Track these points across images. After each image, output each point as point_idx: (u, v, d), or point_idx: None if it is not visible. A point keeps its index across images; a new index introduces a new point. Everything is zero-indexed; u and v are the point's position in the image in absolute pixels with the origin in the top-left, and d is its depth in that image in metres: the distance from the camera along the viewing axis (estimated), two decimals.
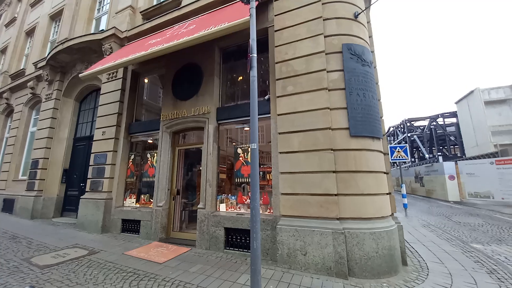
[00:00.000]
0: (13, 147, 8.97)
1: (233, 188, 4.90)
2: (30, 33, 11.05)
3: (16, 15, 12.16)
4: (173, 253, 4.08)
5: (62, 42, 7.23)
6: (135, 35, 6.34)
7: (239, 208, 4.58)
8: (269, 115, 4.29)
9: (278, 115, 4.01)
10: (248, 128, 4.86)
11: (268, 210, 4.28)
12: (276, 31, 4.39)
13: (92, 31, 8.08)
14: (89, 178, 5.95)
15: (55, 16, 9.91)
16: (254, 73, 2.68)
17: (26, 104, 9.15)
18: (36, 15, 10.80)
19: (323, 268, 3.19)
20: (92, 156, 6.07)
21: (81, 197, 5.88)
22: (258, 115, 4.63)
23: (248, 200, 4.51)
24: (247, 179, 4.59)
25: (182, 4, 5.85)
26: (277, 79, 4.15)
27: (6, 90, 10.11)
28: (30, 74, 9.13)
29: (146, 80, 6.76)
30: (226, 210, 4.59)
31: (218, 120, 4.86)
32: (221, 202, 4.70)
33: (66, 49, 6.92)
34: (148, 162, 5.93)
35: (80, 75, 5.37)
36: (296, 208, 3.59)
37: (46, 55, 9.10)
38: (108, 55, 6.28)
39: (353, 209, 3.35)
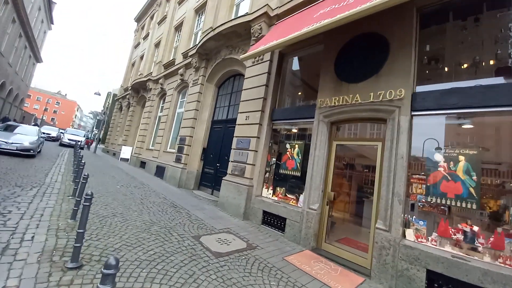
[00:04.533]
0: (165, 124, 10.91)
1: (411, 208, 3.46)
2: (178, 27, 13.00)
3: (166, 13, 14.66)
4: (344, 278, 3.19)
5: (210, 30, 7.66)
6: (285, 11, 5.70)
7: (435, 241, 3.13)
8: None
9: None
10: (470, 126, 3.20)
11: (502, 260, 2.61)
12: None
13: (233, 17, 8.25)
14: (231, 161, 6.03)
15: (199, 9, 11.03)
16: None
17: (175, 89, 10.82)
18: (183, 10, 12.49)
19: None
20: (234, 140, 6.10)
21: (223, 178, 6.05)
22: (504, 106, 2.95)
23: (460, 237, 2.98)
24: (453, 201, 3.06)
25: None
26: None
27: (161, 77, 12.41)
28: (179, 63, 10.63)
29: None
30: (415, 239, 3.24)
31: (412, 110, 3.45)
32: (405, 226, 3.39)
33: (216, 36, 7.24)
34: (287, 153, 5.34)
35: (240, 56, 5.23)
36: None
37: (191, 46, 10.32)
38: (257, 36, 5.99)
39: None
